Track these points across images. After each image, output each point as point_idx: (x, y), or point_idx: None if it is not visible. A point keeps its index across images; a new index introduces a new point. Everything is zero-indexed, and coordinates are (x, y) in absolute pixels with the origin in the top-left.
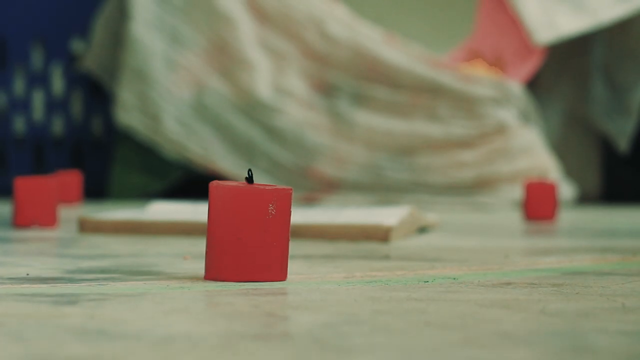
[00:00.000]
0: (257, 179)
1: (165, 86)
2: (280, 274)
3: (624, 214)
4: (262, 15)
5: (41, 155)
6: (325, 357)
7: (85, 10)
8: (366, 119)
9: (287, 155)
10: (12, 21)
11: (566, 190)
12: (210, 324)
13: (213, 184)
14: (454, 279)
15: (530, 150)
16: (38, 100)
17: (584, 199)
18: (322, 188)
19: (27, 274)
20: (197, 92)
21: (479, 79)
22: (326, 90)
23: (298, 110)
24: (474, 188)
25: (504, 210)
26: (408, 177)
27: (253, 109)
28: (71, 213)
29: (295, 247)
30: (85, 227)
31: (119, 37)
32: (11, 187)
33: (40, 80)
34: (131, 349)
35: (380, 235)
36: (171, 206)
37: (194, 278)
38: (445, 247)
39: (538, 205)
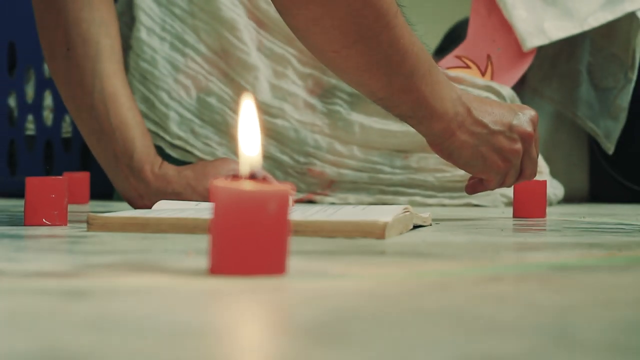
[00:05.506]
0: None
1: (170, 90)
2: (280, 269)
3: (609, 211)
4: (261, 21)
5: (51, 156)
6: (323, 349)
7: None
8: (362, 120)
9: (287, 156)
10: (22, 26)
11: (554, 189)
12: (215, 317)
13: (215, 182)
14: (447, 273)
15: None
16: (48, 103)
17: (572, 198)
18: (321, 188)
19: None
20: (201, 95)
21: (471, 83)
22: (324, 92)
23: (297, 112)
24: None
25: (495, 209)
26: (403, 177)
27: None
28: (80, 212)
29: (294, 244)
30: (94, 225)
31: (125, 42)
32: (22, 187)
33: (50, 83)
34: (140, 341)
35: (376, 232)
36: (176, 204)
37: (198, 273)
38: (438, 243)
39: (528, 203)
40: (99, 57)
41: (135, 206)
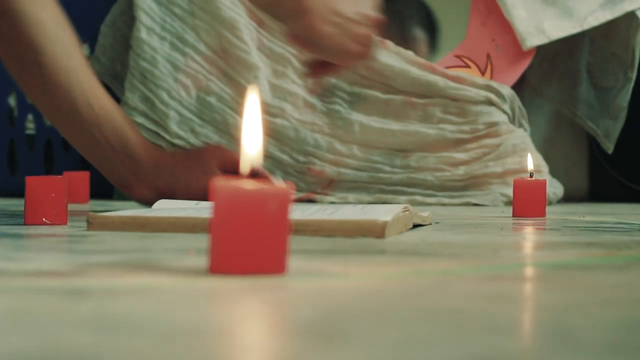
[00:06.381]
0: None
1: (170, 89)
2: (280, 268)
3: (609, 210)
4: (261, 20)
5: (51, 155)
6: (323, 349)
7: (94, 14)
8: (362, 119)
9: (287, 155)
10: None
11: (554, 189)
12: (215, 316)
13: (215, 181)
14: (447, 272)
15: (521, 151)
16: None
17: (571, 197)
18: (321, 187)
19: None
20: (201, 94)
21: (471, 82)
22: (324, 92)
23: (297, 111)
24: (466, 187)
25: (494, 208)
26: (402, 176)
27: None
28: (80, 211)
29: (294, 243)
30: (94, 224)
31: (125, 41)
32: (22, 186)
33: None
34: (140, 341)
35: (376, 231)
36: (176, 203)
37: (198, 272)
38: (438, 243)
39: (527, 203)
40: (69, 55)
41: (132, 191)
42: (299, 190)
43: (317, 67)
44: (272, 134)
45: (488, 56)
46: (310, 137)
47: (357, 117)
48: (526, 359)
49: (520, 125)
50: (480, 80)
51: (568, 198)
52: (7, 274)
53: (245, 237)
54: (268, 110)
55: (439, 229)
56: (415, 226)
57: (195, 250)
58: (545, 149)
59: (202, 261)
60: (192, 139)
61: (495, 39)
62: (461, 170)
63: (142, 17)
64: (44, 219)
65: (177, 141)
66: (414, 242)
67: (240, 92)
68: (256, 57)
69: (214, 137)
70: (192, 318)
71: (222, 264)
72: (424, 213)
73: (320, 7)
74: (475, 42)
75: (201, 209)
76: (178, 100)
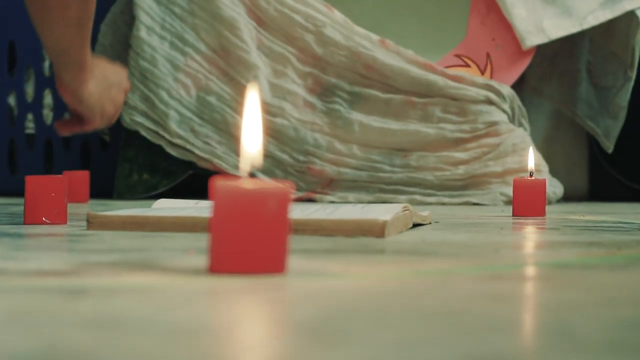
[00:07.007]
0: None
1: (170, 88)
2: (280, 267)
3: (609, 210)
4: (261, 19)
5: (51, 154)
6: (323, 348)
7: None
8: (362, 119)
9: (287, 155)
10: (22, 26)
11: (554, 188)
12: (214, 315)
13: (215, 181)
14: (447, 272)
15: (520, 150)
16: (48, 102)
17: (571, 197)
18: (320, 186)
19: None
20: (201, 93)
21: (471, 81)
22: (323, 91)
23: (297, 110)
24: (465, 187)
25: (494, 208)
26: (402, 176)
27: None
28: (80, 210)
29: (294, 242)
30: (94, 223)
31: (125, 40)
32: (22, 186)
33: (49, 81)
34: (140, 340)
35: (376, 230)
36: (176, 203)
37: (198, 271)
38: (438, 242)
39: (527, 202)
40: None
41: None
42: (299, 189)
43: (71, 122)
44: (272, 133)
45: (488, 55)
46: (310, 137)
47: (357, 116)
48: (526, 359)
49: (520, 125)
50: (480, 79)
51: (568, 197)
52: (7, 274)
53: (245, 237)
54: (268, 110)
55: (438, 228)
56: (415, 225)
57: (195, 249)
58: (545, 148)
59: (202, 261)
60: (192, 139)
61: (495, 38)
62: (461, 170)
63: (142, 16)
64: (44, 219)
65: (177, 141)
66: (414, 241)
67: (240, 92)
68: (256, 57)
69: (214, 137)
70: (192, 318)
71: (222, 263)
72: (424, 212)
73: (98, 69)
74: (475, 41)
75: (201, 209)
76: (178, 100)
